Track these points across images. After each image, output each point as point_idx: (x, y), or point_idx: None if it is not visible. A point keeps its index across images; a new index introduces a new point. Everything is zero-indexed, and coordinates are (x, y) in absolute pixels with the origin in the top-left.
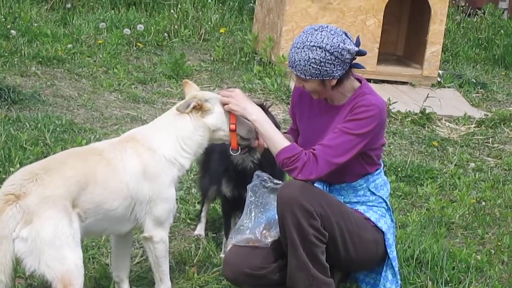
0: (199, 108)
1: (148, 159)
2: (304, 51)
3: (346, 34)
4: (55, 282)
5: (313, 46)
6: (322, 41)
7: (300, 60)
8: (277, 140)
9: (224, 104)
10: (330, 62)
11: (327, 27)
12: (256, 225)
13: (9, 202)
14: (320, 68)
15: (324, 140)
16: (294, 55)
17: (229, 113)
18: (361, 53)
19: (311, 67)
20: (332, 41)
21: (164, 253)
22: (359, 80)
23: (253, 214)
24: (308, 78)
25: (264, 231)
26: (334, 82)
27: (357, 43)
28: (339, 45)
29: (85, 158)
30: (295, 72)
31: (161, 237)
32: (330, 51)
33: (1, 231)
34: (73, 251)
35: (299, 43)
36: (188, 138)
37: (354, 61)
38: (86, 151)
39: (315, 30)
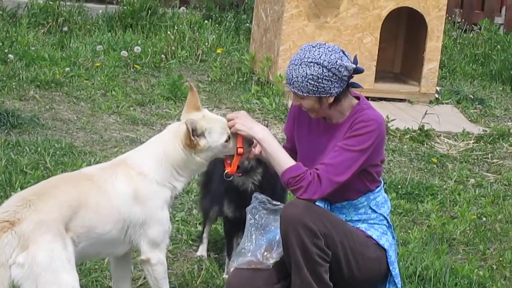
0: (194, 146)
1: (138, 183)
2: (302, 67)
3: (343, 52)
4: None
5: (311, 62)
6: (320, 57)
7: (297, 77)
8: (283, 160)
9: (229, 127)
10: (328, 78)
11: (324, 44)
12: (257, 247)
13: (4, 230)
14: (317, 84)
15: (325, 159)
16: (291, 71)
17: (236, 135)
18: (358, 71)
19: (308, 83)
20: (329, 57)
21: (163, 274)
22: (357, 97)
23: (253, 237)
24: (305, 95)
25: (265, 253)
26: (331, 99)
27: (355, 62)
28: (336, 61)
29: (76, 183)
30: (292, 89)
31: (159, 258)
32: (327, 67)
33: None
34: (70, 274)
35: (296, 59)
36: (183, 167)
37: (351, 80)
38: (77, 176)
39: (313, 47)
